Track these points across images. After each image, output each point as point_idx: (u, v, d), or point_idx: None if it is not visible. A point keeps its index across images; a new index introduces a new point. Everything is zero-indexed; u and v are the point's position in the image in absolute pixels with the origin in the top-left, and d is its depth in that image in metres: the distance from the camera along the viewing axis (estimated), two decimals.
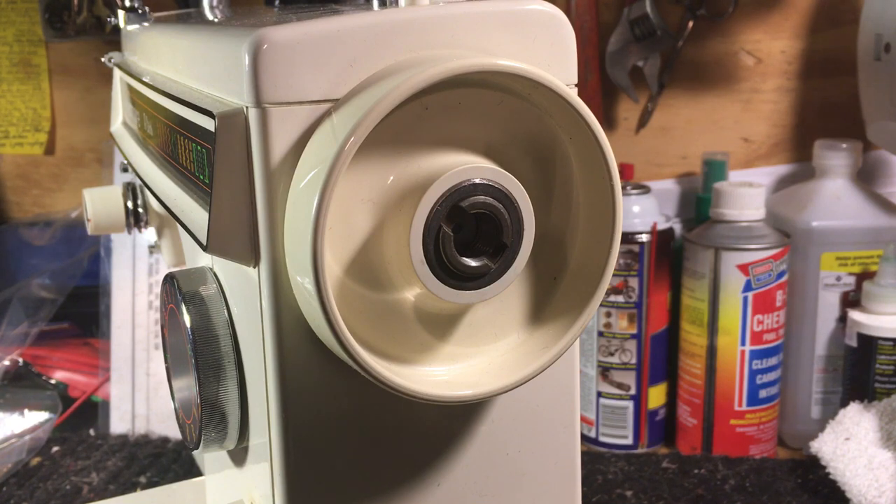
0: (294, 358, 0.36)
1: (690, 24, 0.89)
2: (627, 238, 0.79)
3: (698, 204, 0.90)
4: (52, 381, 0.91)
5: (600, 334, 0.82)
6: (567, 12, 0.65)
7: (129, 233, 0.66)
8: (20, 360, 0.90)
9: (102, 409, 0.88)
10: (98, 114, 0.98)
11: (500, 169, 0.34)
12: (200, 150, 0.39)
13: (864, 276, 0.80)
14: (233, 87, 0.35)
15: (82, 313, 0.92)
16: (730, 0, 0.89)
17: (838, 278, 0.81)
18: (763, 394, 0.80)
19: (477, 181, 0.34)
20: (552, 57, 0.37)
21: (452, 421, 0.40)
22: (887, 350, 0.75)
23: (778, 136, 0.93)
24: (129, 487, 0.75)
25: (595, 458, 0.78)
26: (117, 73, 0.65)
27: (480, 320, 0.38)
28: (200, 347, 0.40)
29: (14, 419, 0.84)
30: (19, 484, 0.75)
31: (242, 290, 0.39)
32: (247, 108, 0.34)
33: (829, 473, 0.70)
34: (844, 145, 0.82)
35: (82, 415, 0.87)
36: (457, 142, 0.36)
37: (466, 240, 0.35)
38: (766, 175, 0.92)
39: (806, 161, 0.89)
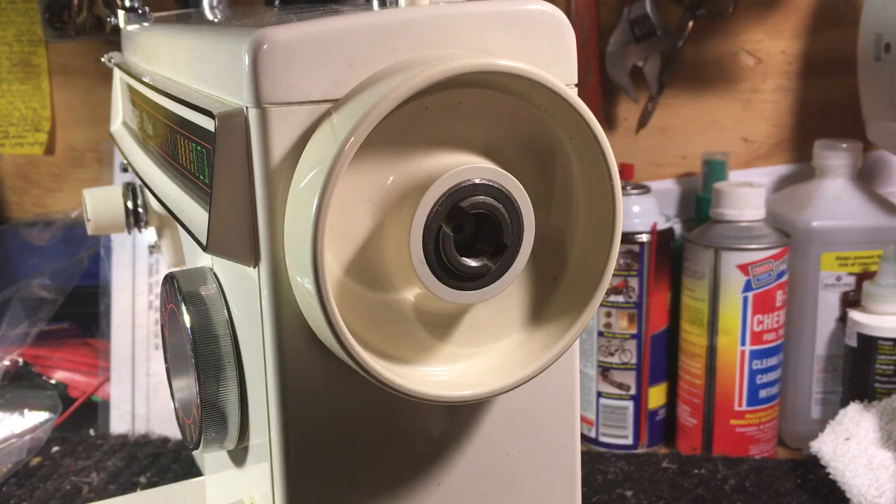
0: (294, 358, 0.36)
1: (690, 24, 0.89)
2: (627, 238, 0.79)
3: (698, 204, 0.90)
4: (52, 381, 0.91)
5: (600, 334, 0.82)
6: (567, 12, 0.65)
7: (129, 233, 0.66)
8: (20, 360, 0.90)
9: (102, 409, 0.88)
10: (98, 114, 0.98)
11: (500, 169, 0.34)
12: (200, 150, 0.39)
13: (864, 276, 0.80)
14: (233, 87, 0.35)
15: (82, 313, 0.92)
16: (730, 0, 0.89)
17: (838, 278, 0.81)
18: (763, 394, 0.80)
19: (477, 181, 0.34)
20: (552, 57, 0.37)
21: (452, 421, 0.40)
22: (887, 350, 0.75)
23: (778, 136, 0.93)
24: (129, 487, 0.75)
25: (595, 458, 0.78)
26: (117, 73, 0.65)
27: (480, 320, 0.38)
28: (200, 347, 0.40)
29: (14, 419, 0.84)
30: (19, 484, 0.75)
31: (242, 290, 0.39)
32: (247, 108, 0.34)
33: (829, 473, 0.70)
34: (844, 145, 0.82)
35: (82, 415, 0.87)
36: (457, 142, 0.36)
37: (466, 240, 0.35)
38: (766, 175, 0.92)
39: (806, 161, 0.89)
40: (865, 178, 0.88)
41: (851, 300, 0.81)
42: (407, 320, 0.36)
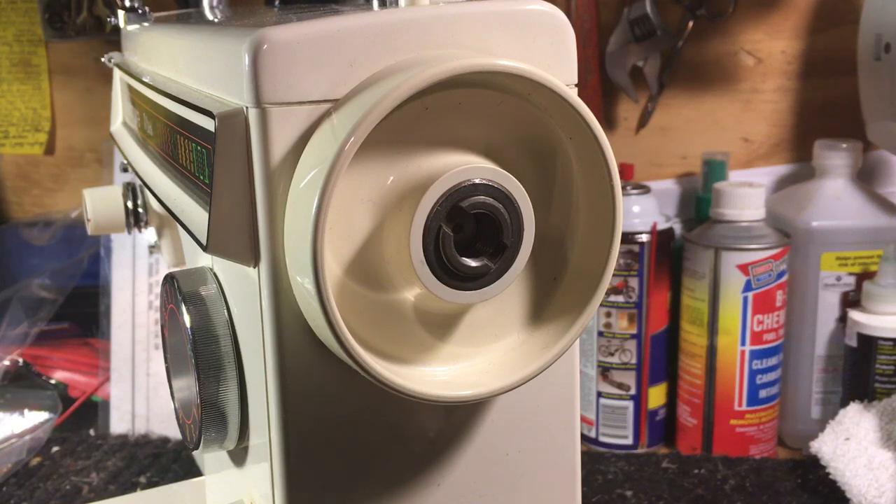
0: (294, 358, 0.36)
1: (690, 24, 0.89)
2: (627, 238, 0.79)
3: (698, 204, 0.90)
4: (52, 381, 0.91)
5: (600, 334, 0.82)
6: (567, 12, 0.65)
7: (129, 233, 0.66)
8: (20, 360, 0.90)
9: (102, 409, 0.88)
10: (98, 114, 0.98)
11: (500, 169, 0.34)
12: (200, 150, 0.39)
13: (864, 276, 0.80)
14: (233, 87, 0.35)
15: (82, 313, 0.92)
16: (730, 0, 0.89)
17: (838, 278, 0.81)
18: (763, 394, 0.80)
19: (477, 181, 0.34)
20: (552, 57, 0.37)
21: (452, 421, 0.40)
22: (887, 350, 0.75)
23: (778, 136, 0.93)
24: (129, 487, 0.75)
25: (595, 458, 0.78)
26: (117, 73, 0.65)
27: (480, 320, 0.38)
28: (200, 347, 0.40)
29: (14, 419, 0.84)
30: (19, 484, 0.75)
31: (242, 290, 0.39)
32: (247, 108, 0.34)
33: (829, 473, 0.70)
34: (844, 145, 0.82)
35: (82, 415, 0.87)
36: (457, 142, 0.36)
37: (466, 240, 0.35)
38: (766, 175, 0.92)
39: (806, 161, 0.89)
40: (865, 178, 0.88)
41: (851, 300, 0.81)
42: (407, 320, 0.36)
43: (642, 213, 0.81)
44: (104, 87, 0.88)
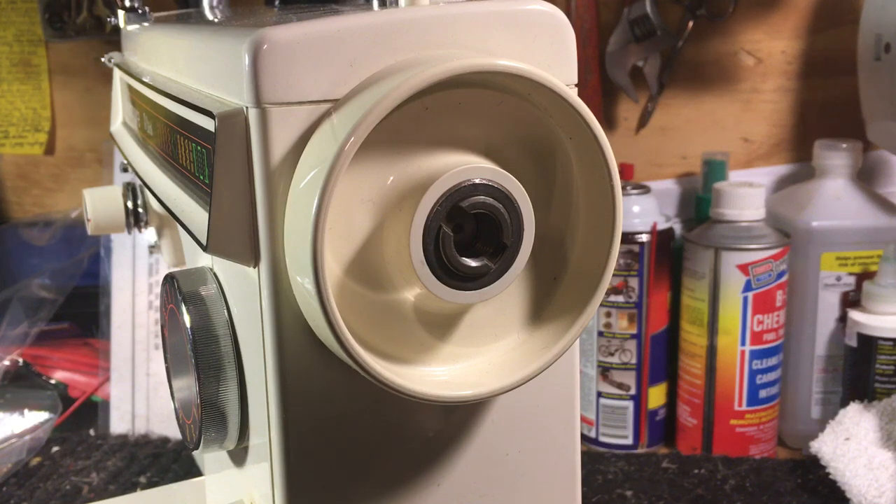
0: (294, 358, 0.36)
1: (690, 24, 0.89)
2: (627, 238, 0.79)
3: (698, 204, 0.90)
4: (52, 381, 0.91)
5: (600, 334, 0.82)
6: (567, 12, 0.65)
7: (129, 233, 0.66)
8: (20, 360, 0.90)
9: (102, 409, 0.88)
10: (98, 114, 0.98)
11: (500, 169, 0.34)
12: (200, 150, 0.39)
13: (864, 276, 0.80)
14: (233, 87, 0.35)
15: (82, 313, 0.92)
16: (730, 0, 0.89)
17: (838, 278, 0.81)
18: (763, 394, 0.80)
19: (477, 181, 0.34)
20: (552, 57, 0.37)
21: (452, 421, 0.40)
22: (887, 350, 0.75)
23: (778, 136, 0.93)
24: (129, 487, 0.75)
25: (595, 458, 0.78)
26: (117, 73, 0.65)
27: (480, 320, 0.38)
28: (200, 347, 0.41)
29: (14, 419, 0.84)
30: (19, 484, 0.75)
31: (242, 290, 0.39)
32: (247, 108, 0.34)
33: (829, 473, 0.70)
34: (844, 145, 0.82)
35: (82, 415, 0.87)
36: (457, 142, 0.36)
37: (466, 240, 0.35)
38: (766, 175, 0.92)
39: (806, 161, 0.89)
40: (865, 178, 0.88)
41: (851, 300, 0.81)
42: (407, 320, 0.36)
43: (642, 213, 0.81)
44: (104, 87, 0.88)
